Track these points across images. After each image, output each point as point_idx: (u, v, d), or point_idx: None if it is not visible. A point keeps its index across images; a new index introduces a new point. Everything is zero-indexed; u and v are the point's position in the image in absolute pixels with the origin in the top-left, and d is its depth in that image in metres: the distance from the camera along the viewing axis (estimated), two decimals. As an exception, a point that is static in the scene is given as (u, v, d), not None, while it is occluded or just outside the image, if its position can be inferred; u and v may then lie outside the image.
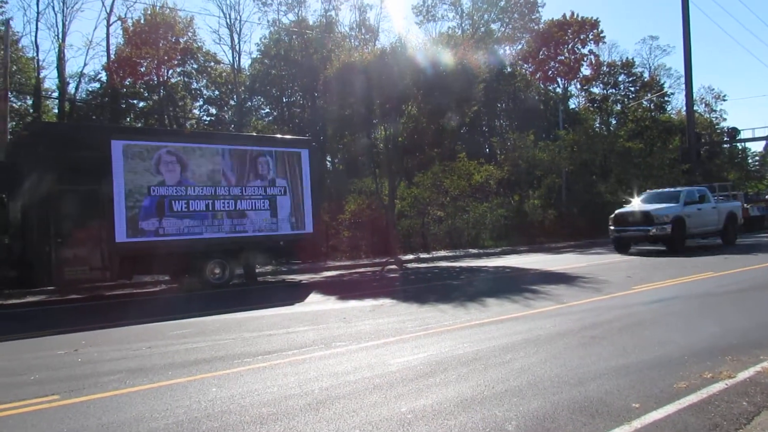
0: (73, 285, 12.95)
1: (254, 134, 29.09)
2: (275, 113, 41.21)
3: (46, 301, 12.95)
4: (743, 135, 42.45)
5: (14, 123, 28.70)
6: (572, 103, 49.80)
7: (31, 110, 32.99)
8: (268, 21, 40.99)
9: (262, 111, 42.26)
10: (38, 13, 34.27)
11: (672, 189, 21.50)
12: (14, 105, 30.61)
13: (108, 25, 35.67)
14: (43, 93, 34.86)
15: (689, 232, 18.86)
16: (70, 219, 12.01)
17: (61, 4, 34.42)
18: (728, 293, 10.13)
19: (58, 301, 12.80)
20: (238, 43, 39.85)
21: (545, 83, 47.88)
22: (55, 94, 35.75)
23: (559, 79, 48.80)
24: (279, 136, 21.60)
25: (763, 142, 55.70)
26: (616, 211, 19.47)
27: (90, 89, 37.84)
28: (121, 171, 12.47)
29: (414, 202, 25.90)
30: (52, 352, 7.11)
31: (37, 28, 34.51)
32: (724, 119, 57.37)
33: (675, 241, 18.13)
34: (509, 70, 44.49)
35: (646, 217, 18.26)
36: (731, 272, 12.81)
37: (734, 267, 13.71)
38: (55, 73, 35.37)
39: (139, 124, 36.32)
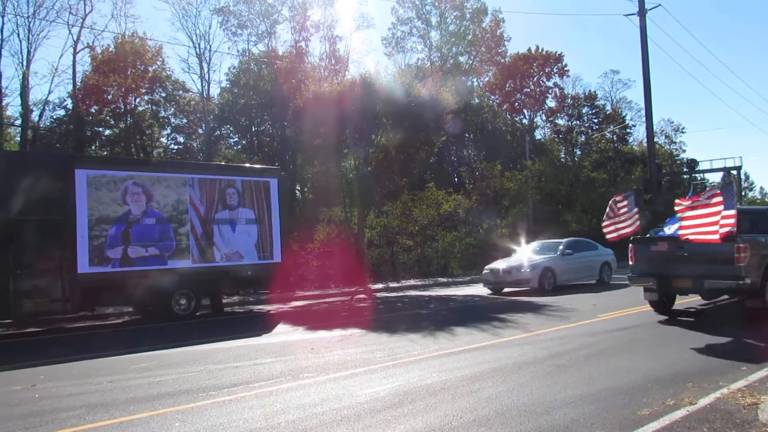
0: (32, 318, 12.54)
1: (223, 163, 28.93)
2: (244, 142, 41.08)
3: (4, 334, 12.49)
4: (701, 166, 43.88)
5: (-26, 150, 27.95)
6: (538, 134, 50.94)
7: (-7, 138, 32.26)
8: (238, 51, 41.15)
9: (231, 140, 42.09)
10: (2, 40, 33.41)
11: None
12: (-25, 132, 29.91)
13: (75, 53, 35.30)
14: (6, 121, 34.13)
15: None
16: (31, 249, 11.70)
17: (27, 31, 33.96)
18: (690, 321, 10.35)
19: (15, 335, 12.36)
20: (208, 72, 39.78)
21: (512, 114, 48.92)
22: (18, 122, 35.05)
23: (525, 111, 49.94)
24: (248, 165, 21.52)
25: (721, 173, 57.64)
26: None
27: (54, 117, 37.24)
28: (85, 201, 12.24)
29: (383, 231, 25.94)
30: (9, 388, 6.85)
31: (0, 55, 33.74)
32: (684, 150, 59.31)
33: None
34: (477, 101, 45.38)
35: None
36: (693, 300, 13.10)
37: (696, 295, 14.01)
38: (18, 101, 34.73)
39: (105, 153, 35.78)
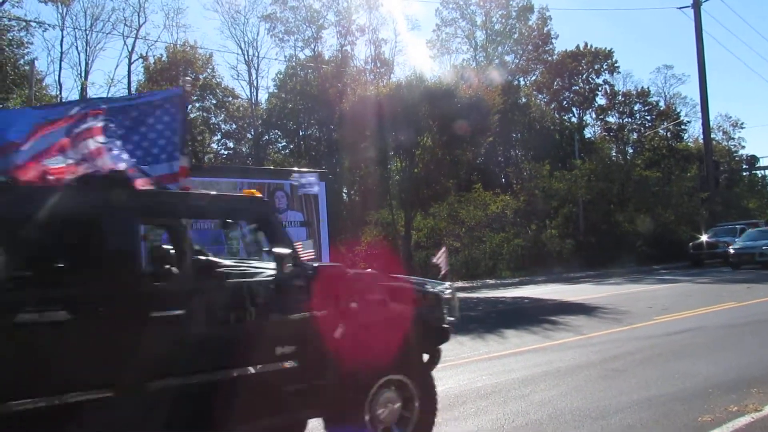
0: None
1: (271, 167, 29.44)
2: (292, 146, 41.67)
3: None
4: (763, 162, 42.02)
5: (38, 159, 29.28)
6: (588, 133, 49.77)
7: (55, 147, 33.73)
8: (285, 56, 41.81)
9: (279, 144, 42.78)
10: (62, 53, 35.07)
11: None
12: (38, 141, 31.29)
13: (129, 63, 36.63)
14: (66, 130, 35.67)
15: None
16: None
17: (85, 44, 35.47)
18: (752, 323, 9.92)
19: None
20: (256, 78, 40.57)
21: (560, 113, 48.05)
22: (78, 131, 36.55)
23: (574, 109, 48.95)
24: (295, 169, 21.83)
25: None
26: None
27: (111, 125, 38.66)
28: (141, 205, 12.65)
29: (430, 233, 25.86)
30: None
31: (60, 68, 35.38)
32: (743, 147, 56.85)
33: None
34: (524, 100, 44.74)
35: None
36: (754, 302, 12.57)
37: (757, 297, 13.45)
38: (77, 111, 36.23)
39: (159, 159, 36.90)
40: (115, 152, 3.97)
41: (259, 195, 4.27)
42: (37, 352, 3.01)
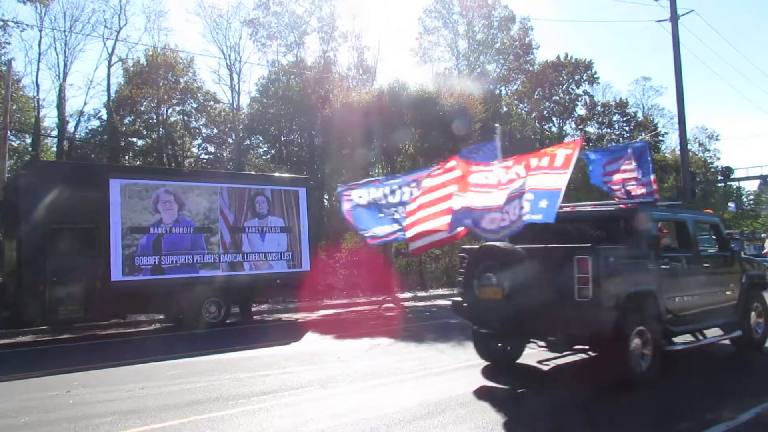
0: (66, 324, 12.79)
1: (252, 173, 29.25)
2: (273, 152, 41.41)
3: (39, 341, 12.77)
4: (737, 174, 42.76)
5: (13, 161, 28.80)
6: (567, 142, 50.29)
7: (30, 149, 33.11)
8: (267, 62, 41.58)
9: (261, 149, 42.49)
10: (40, 53, 34.31)
11: None
12: (13, 143, 30.70)
13: (109, 65, 36.13)
14: (43, 131, 35.03)
15: None
16: (66, 257, 11.93)
17: (63, 45, 34.88)
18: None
19: (51, 341, 12.62)
20: (238, 83, 40.25)
21: (541, 122, 48.50)
22: (55, 133, 35.93)
23: (554, 119, 49.46)
24: (277, 174, 21.71)
25: (757, 181, 56.14)
26: None
27: (90, 128, 38.11)
28: (119, 209, 12.46)
29: (411, 240, 25.79)
30: (44, 394, 6.98)
31: (38, 68, 34.74)
32: (718, 158, 57.98)
33: None
34: (505, 109, 45.07)
35: None
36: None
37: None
38: (55, 112, 35.63)
39: (138, 162, 36.48)
40: (640, 178, 9.55)
41: (711, 211, 9.46)
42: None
